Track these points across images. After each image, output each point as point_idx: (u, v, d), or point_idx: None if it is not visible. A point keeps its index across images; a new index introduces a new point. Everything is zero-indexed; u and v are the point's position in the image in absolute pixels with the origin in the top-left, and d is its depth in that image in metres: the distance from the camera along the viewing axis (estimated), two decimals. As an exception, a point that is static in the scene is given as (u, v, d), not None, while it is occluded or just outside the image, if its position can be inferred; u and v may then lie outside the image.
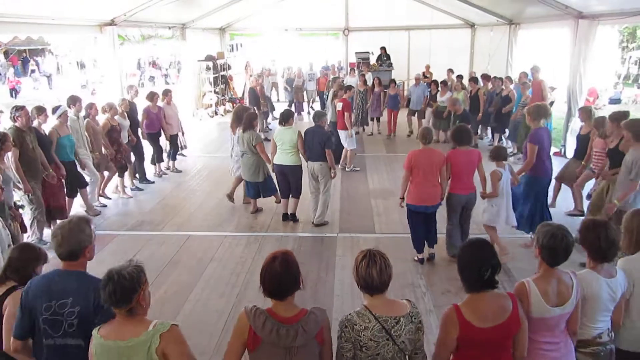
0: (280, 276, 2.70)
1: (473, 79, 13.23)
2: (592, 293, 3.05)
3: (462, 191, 6.14)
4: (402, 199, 6.34)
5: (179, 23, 15.55)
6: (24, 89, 27.75)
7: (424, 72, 16.74)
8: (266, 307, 2.75)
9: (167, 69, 35.06)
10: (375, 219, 8.03)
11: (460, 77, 13.55)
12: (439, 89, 13.23)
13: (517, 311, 2.79)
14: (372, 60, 17.87)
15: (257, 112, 10.96)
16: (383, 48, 17.81)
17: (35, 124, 7.09)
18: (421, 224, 6.32)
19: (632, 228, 3.39)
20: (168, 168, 10.96)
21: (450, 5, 16.66)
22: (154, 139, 10.34)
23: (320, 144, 7.45)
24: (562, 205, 7.96)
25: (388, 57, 17.79)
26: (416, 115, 14.09)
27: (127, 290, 2.52)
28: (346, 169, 10.67)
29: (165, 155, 10.90)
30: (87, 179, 8.19)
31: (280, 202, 8.14)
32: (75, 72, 34.49)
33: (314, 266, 6.32)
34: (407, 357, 2.78)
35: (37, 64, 34.19)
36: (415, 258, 6.44)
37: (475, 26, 18.30)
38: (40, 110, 7.26)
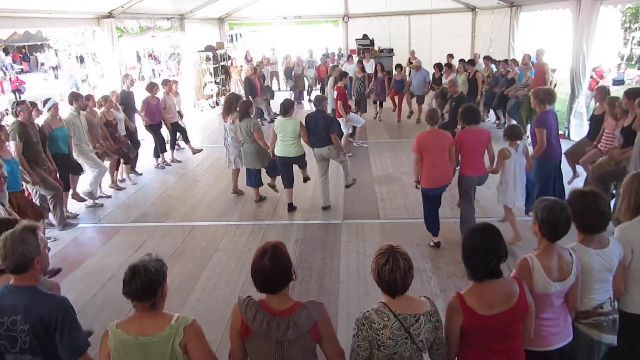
0: (270, 271, 2.62)
1: (470, 62, 13.20)
2: (582, 266, 3.02)
3: (473, 173, 6.10)
4: (417, 182, 6.25)
5: (177, 14, 15.46)
6: (30, 86, 27.68)
7: (409, 59, 16.71)
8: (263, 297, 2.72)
9: (167, 61, 34.92)
10: (379, 204, 8.00)
11: (462, 60, 13.47)
12: (443, 71, 13.18)
13: (525, 295, 2.75)
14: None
15: (252, 101, 10.97)
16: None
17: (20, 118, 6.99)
18: (436, 207, 6.30)
19: (631, 191, 3.32)
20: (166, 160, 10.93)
21: (450, -11, 16.55)
22: (155, 130, 10.34)
23: (324, 128, 7.37)
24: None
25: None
26: (416, 99, 14.06)
27: (154, 283, 2.51)
28: (354, 144, 10.55)
29: (168, 147, 10.90)
30: (94, 171, 8.21)
31: (272, 187, 8.20)
32: (75, 67, 34.41)
33: (319, 253, 6.31)
34: (423, 356, 2.71)
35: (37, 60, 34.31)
36: (431, 243, 6.38)
37: (476, 9, 18.14)
38: (32, 105, 7.26)
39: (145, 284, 2.48)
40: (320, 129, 7.39)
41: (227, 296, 5.47)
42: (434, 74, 13.68)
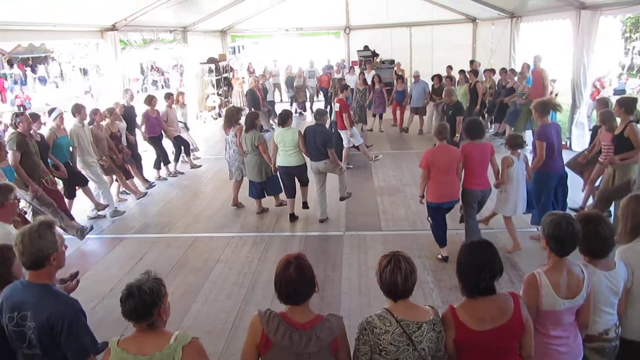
0: (296, 282, 2.63)
1: (473, 72, 13.26)
2: (591, 287, 2.98)
3: (477, 187, 6.08)
4: (422, 196, 6.23)
5: (180, 26, 15.56)
6: (36, 99, 27.81)
7: (395, 71, 16.78)
8: (274, 308, 2.73)
9: (169, 73, 35.12)
10: (381, 216, 7.99)
11: (462, 71, 13.52)
12: (442, 82, 13.22)
13: (520, 312, 2.71)
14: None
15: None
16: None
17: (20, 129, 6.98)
18: (443, 220, 6.26)
19: (627, 214, 3.30)
20: (171, 172, 10.93)
21: (450, 1, 16.63)
22: (156, 143, 10.34)
23: (322, 143, 7.42)
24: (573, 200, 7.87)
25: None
26: (417, 111, 14.08)
27: (148, 305, 2.46)
28: (371, 161, 10.54)
29: (172, 159, 10.90)
30: (98, 189, 8.26)
31: (280, 205, 8.24)
32: (79, 78, 34.66)
33: (321, 265, 6.29)
34: None
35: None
36: (440, 256, 6.32)
37: (477, 20, 18.23)
38: (35, 117, 7.31)
39: (138, 305, 2.44)
40: (318, 144, 7.42)
41: (228, 308, 5.46)
42: (433, 85, 13.72)
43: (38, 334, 2.70)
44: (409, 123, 14.25)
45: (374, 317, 2.68)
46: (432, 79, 13.90)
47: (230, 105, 9.90)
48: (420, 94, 13.74)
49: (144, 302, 2.45)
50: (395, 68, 17.28)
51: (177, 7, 12.24)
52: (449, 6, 17.71)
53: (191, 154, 11.53)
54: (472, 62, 13.51)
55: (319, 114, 7.83)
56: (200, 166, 11.47)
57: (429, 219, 6.36)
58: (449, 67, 14.69)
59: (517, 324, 2.69)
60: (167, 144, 10.89)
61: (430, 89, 13.77)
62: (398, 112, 14.44)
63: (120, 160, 8.87)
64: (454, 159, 5.98)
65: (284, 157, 7.58)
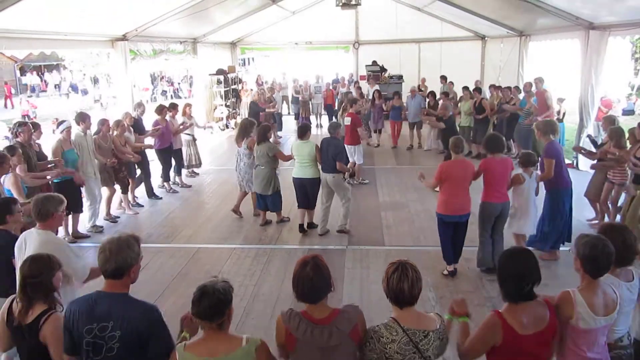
0: (313, 280, 2.75)
1: (477, 89, 13.27)
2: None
3: (497, 199, 6.06)
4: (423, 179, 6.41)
5: (190, 38, 15.72)
6: (41, 104, 28.08)
7: (419, 86, 16.82)
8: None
9: (179, 83, 35.43)
10: (384, 231, 7.97)
11: (465, 88, 13.58)
12: (438, 100, 13.31)
13: (555, 319, 2.81)
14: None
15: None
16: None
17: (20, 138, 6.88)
18: (451, 234, 6.23)
19: None
20: (176, 184, 10.86)
21: (459, 18, 16.67)
22: (163, 155, 10.20)
23: (333, 156, 7.49)
24: (582, 214, 7.93)
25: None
26: (415, 127, 14.16)
27: (222, 303, 2.59)
28: (354, 182, 10.54)
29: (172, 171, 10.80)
30: (89, 207, 8.13)
31: (282, 221, 8.31)
32: (89, 87, 35.04)
33: (323, 279, 6.26)
34: None
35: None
36: (445, 271, 6.29)
37: (486, 38, 18.29)
38: (35, 126, 7.23)
39: (214, 303, 2.57)
40: (330, 156, 7.52)
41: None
42: (428, 102, 13.89)
43: (124, 343, 2.73)
44: (412, 140, 14.29)
45: (381, 327, 2.75)
46: (427, 96, 14.12)
47: (244, 118, 9.77)
48: (416, 109, 13.77)
49: (219, 301, 2.58)
50: (420, 83, 17.17)
51: (187, 19, 12.37)
52: (458, 23, 17.77)
53: (189, 169, 11.35)
54: (477, 89, 13.53)
55: (333, 127, 7.94)
56: (190, 186, 10.96)
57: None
58: (450, 83, 14.75)
59: (552, 330, 2.78)
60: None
61: (425, 105, 13.89)
62: (396, 128, 14.33)
63: (125, 176, 8.76)
64: (468, 172, 6.03)
65: (300, 169, 7.70)
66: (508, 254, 2.90)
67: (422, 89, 16.32)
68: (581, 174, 9.19)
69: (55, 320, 3.01)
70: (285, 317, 2.79)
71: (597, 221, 7.71)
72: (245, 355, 2.60)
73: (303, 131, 7.80)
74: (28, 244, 3.82)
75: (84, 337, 2.77)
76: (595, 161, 7.67)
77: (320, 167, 7.65)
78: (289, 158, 7.94)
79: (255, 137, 8.15)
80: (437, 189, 6.32)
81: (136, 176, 9.56)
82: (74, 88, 35.21)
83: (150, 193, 10.00)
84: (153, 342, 2.77)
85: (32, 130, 7.00)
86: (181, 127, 10.56)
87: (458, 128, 11.73)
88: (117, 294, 2.83)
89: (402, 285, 2.70)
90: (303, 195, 7.82)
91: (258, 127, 8.48)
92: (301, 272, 2.78)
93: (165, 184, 10.52)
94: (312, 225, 8.05)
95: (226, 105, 18.31)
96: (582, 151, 8.42)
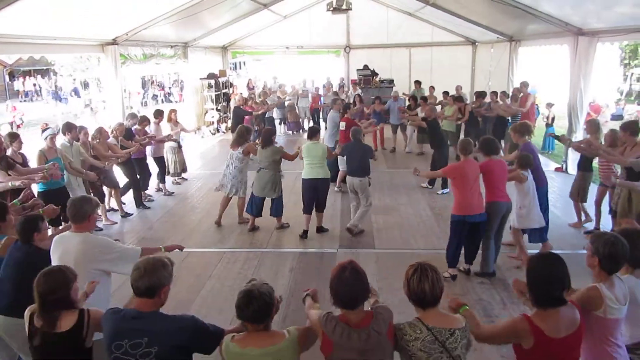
0: (352, 286, 2.76)
1: (458, 98, 13.23)
2: (636, 297, 3.11)
3: (503, 199, 6.20)
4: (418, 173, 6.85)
5: (181, 42, 15.69)
6: (29, 109, 27.86)
7: (414, 90, 16.90)
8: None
9: (170, 88, 35.37)
10: (375, 234, 7.98)
11: (446, 92, 13.71)
12: (418, 103, 13.52)
13: (584, 321, 2.83)
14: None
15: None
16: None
17: (9, 152, 6.66)
18: (464, 236, 6.23)
19: None
20: (159, 190, 10.67)
21: (450, 23, 16.78)
22: (140, 164, 9.71)
23: (363, 159, 7.67)
24: (566, 217, 8.04)
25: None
26: (398, 129, 14.36)
27: (269, 306, 2.69)
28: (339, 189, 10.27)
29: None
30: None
31: (282, 227, 8.25)
32: (80, 91, 34.90)
33: (314, 282, 6.23)
34: None
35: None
36: (447, 274, 6.23)
37: (476, 43, 18.43)
38: (14, 136, 6.99)
39: (261, 307, 2.65)
40: (359, 159, 7.68)
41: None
42: (409, 105, 14.08)
43: (158, 358, 2.75)
44: (395, 142, 14.43)
45: (405, 325, 2.78)
46: (409, 99, 14.41)
47: (240, 125, 9.59)
48: (398, 112, 13.97)
49: (267, 305, 2.68)
50: (415, 87, 17.04)
51: (178, 23, 12.34)
52: (449, 28, 17.87)
53: (173, 177, 11.20)
54: (459, 98, 13.60)
55: (358, 132, 8.03)
56: (172, 193, 10.67)
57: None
58: (417, 82, 15.54)
59: (582, 333, 2.81)
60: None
61: (404, 106, 14.17)
62: (379, 132, 14.24)
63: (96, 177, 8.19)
64: (477, 172, 6.14)
65: (310, 170, 7.73)
66: (537, 259, 2.90)
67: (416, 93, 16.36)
68: (570, 178, 9.25)
69: (96, 311, 3.02)
70: (322, 321, 2.80)
71: (585, 225, 7.90)
72: (291, 345, 2.72)
73: (313, 132, 7.92)
74: (69, 248, 3.71)
75: (112, 353, 2.76)
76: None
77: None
78: (295, 156, 7.97)
79: (253, 144, 8.20)
80: (440, 191, 6.37)
81: (121, 186, 9.24)
82: (58, 97, 34.87)
83: (139, 202, 9.62)
84: (199, 347, 2.90)
85: (7, 141, 6.68)
86: (166, 138, 10.40)
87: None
88: (148, 312, 2.83)
89: (423, 286, 2.73)
90: (311, 198, 7.80)
91: (263, 131, 8.52)
92: (340, 276, 2.78)
93: (142, 193, 9.95)
94: (321, 230, 8.02)
95: (217, 110, 18.29)
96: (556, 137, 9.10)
